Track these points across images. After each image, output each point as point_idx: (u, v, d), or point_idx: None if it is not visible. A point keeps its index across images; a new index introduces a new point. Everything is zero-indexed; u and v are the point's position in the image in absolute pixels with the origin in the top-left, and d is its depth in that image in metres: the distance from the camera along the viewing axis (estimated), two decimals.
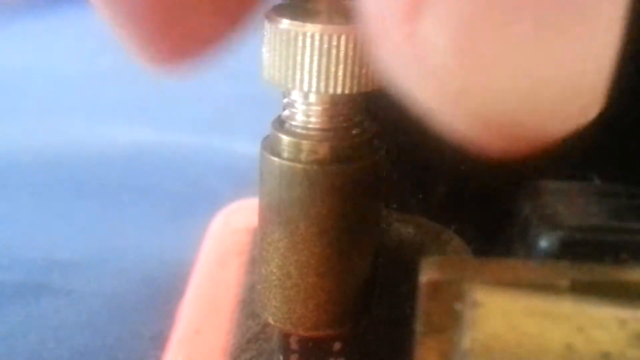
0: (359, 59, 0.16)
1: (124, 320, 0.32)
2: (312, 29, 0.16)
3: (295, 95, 0.17)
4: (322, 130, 0.17)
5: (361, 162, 0.17)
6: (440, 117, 0.13)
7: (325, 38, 0.16)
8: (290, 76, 0.16)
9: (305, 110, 0.17)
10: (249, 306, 0.25)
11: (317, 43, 0.16)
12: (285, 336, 0.19)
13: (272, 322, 0.19)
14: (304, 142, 0.17)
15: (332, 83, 0.16)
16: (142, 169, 0.44)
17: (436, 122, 0.13)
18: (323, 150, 0.17)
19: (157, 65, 0.17)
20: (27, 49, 0.59)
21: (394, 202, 0.21)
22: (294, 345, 0.19)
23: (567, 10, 0.12)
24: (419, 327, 0.16)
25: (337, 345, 0.19)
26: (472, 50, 0.12)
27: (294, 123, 0.18)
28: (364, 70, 0.16)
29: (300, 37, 0.16)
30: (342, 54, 0.16)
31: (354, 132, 0.18)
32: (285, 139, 0.17)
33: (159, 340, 0.28)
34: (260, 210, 0.18)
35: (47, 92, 0.53)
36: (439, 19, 0.12)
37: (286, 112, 0.18)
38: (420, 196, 0.22)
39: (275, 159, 0.17)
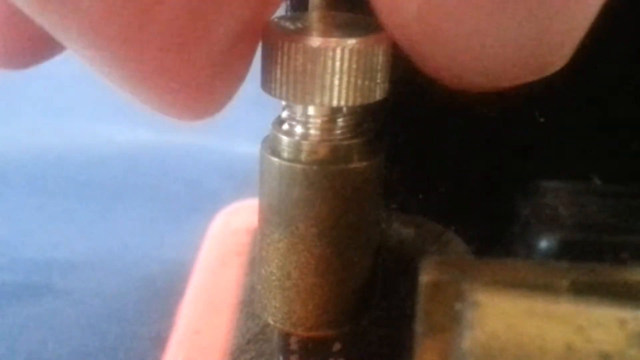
0: (359, 71, 0.16)
1: (124, 320, 0.32)
2: (311, 42, 0.16)
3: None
4: (322, 130, 0.17)
5: (361, 162, 0.17)
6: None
7: (324, 51, 0.16)
8: (290, 89, 0.16)
9: (305, 112, 0.17)
10: (249, 307, 0.25)
11: (316, 56, 0.16)
12: (285, 337, 0.19)
13: (272, 323, 0.19)
14: (304, 142, 0.17)
15: (331, 96, 0.16)
16: (142, 169, 0.44)
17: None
18: (323, 150, 0.17)
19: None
20: None
21: (394, 203, 0.21)
22: (293, 346, 0.19)
23: None
24: (419, 327, 0.16)
25: (337, 346, 0.19)
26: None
27: (293, 123, 0.18)
28: (364, 83, 0.16)
29: (299, 51, 0.16)
30: (343, 66, 0.16)
31: (353, 132, 0.18)
32: (285, 139, 0.17)
33: (159, 340, 0.28)
34: (260, 210, 0.18)
35: (47, 92, 0.53)
36: None
37: (286, 113, 0.18)
38: (420, 196, 0.22)
39: (275, 159, 0.17)
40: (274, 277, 0.18)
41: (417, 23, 0.14)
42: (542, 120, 0.21)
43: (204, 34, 0.14)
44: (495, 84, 0.15)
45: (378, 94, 0.17)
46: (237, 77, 0.16)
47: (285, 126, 0.18)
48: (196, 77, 0.15)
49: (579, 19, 0.14)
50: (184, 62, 0.14)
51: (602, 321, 0.15)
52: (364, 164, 0.17)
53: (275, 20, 0.17)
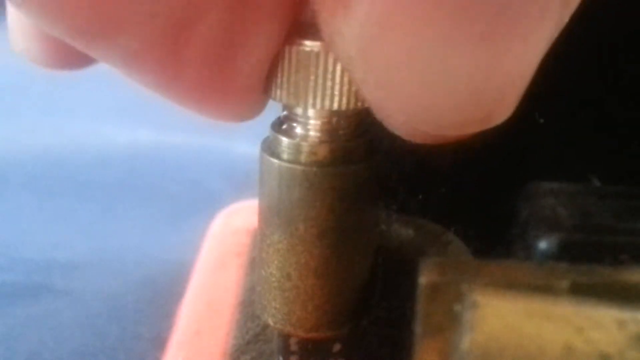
0: None
1: (124, 320, 0.32)
2: (310, 45, 0.16)
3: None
4: (322, 132, 0.17)
5: (360, 163, 0.17)
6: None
7: (323, 55, 0.16)
8: (289, 92, 0.16)
9: (304, 114, 0.17)
10: (249, 307, 0.25)
11: (315, 59, 0.16)
12: (285, 337, 0.19)
13: (271, 324, 0.19)
14: (303, 143, 0.17)
15: (330, 99, 0.16)
16: (142, 170, 0.44)
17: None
18: (322, 151, 0.17)
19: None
20: None
21: (393, 204, 0.21)
22: (293, 347, 0.19)
23: (485, 27, 0.12)
24: (418, 328, 0.16)
25: (336, 347, 0.19)
26: (375, 50, 0.13)
27: (293, 125, 0.18)
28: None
29: (298, 54, 0.16)
30: (341, 70, 0.16)
31: (353, 133, 0.18)
32: (285, 140, 0.17)
33: (159, 341, 0.28)
34: (260, 211, 0.18)
35: (47, 92, 0.53)
36: (355, 12, 0.13)
37: (285, 114, 0.18)
38: (420, 197, 0.22)
39: (275, 160, 0.17)
40: (273, 279, 0.18)
41: (360, 64, 0.14)
42: (541, 121, 0.21)
43: (238, 53, 0.15)
44: (442, 132, 0.15)
45: None
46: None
47: (285, 127, 0.18)
48: (235, 88, 0.16)
49: (524, 64, 0.14)
50: (221, 77, 0.15)
51: (602, 322, 0.15)
52: (364, 165, 0.18)
53: None
